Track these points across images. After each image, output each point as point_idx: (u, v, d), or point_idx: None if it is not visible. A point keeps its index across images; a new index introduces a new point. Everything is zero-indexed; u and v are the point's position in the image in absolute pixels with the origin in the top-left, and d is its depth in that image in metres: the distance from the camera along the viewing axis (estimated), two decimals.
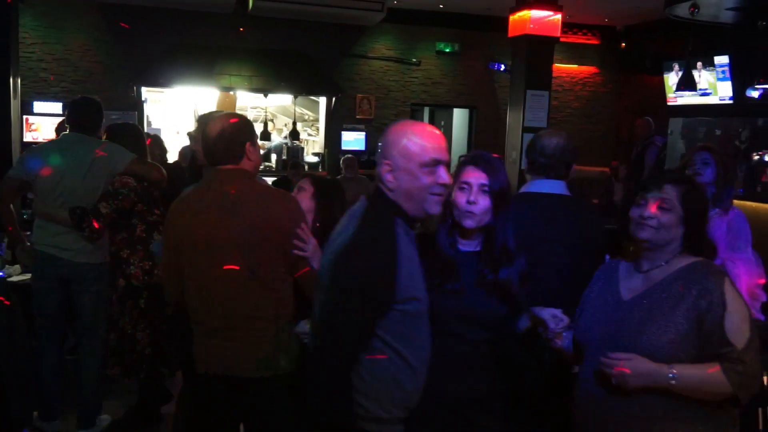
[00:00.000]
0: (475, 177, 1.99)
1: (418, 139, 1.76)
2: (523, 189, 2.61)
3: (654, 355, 1.80)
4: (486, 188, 1.99)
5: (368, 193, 1.89)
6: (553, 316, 2.03)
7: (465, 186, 2.00)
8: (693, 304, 1.81)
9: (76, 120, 3.64)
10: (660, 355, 1.80)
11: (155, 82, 8.74)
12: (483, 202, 1.98)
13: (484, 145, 10.07)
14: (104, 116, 3.70)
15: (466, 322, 1.99)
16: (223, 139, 2.29)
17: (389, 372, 1.73)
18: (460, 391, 1.98)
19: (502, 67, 9.86)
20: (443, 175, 1.79)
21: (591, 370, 1.91)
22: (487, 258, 2.02)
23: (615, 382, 1.81)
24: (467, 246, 2.05)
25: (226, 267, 2.19)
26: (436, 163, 1.77)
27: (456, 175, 2.03)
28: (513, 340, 2.14)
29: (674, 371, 1.77)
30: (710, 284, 1.81)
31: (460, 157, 2.16)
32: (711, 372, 1.78)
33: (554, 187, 2.52)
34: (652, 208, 1.87)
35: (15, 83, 5.20)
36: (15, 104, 5.20)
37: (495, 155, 2.13)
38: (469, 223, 1.99)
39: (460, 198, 2.00)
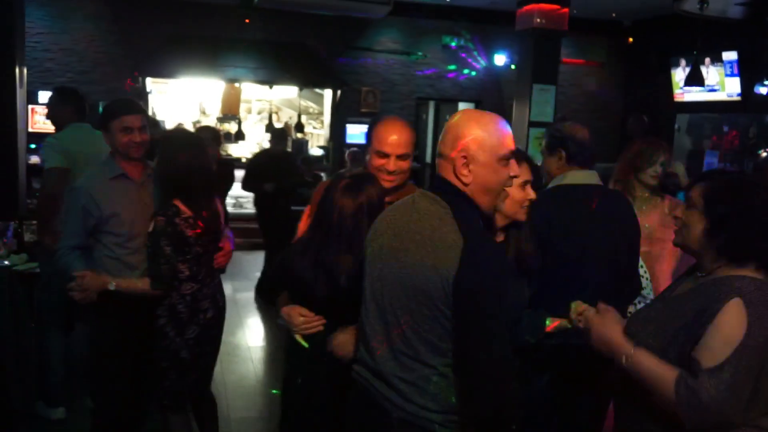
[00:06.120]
0: (526, 173, 2.03)
1: (495, 131, 1.70)
2: (561, 181, 2.60)
3: None
4: (530, 183, 2.05)
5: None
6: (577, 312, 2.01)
7: (526, 184, 2.03)
8: (689, 321, 1.66)
9: (79, 109, 3.64)
10: None
11: (160, 73, 8.73)
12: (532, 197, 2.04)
13: None
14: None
15: None
16: None
17: None
18: None
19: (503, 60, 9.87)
20: (515, 168, 1.76)
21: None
22: (521, 247, 2.07)
23: (582, 327, 1.82)
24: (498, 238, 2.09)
25: None
26: (512, 155, 1.73)
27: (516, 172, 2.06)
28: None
29: (632, 352, 1.68)
30: (712, 302, 1.63)
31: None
32: (666, 372, 1.62)
33: (593, 177, 2.60)
34: (679, 210, 1.81)
35: (21, 73, 5.18)
36: (21, 94, 5.18)
37: None
38: (524, 217, 2.05)
39: (523, 194, 2.02)
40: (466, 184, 1.67)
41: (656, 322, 1.75)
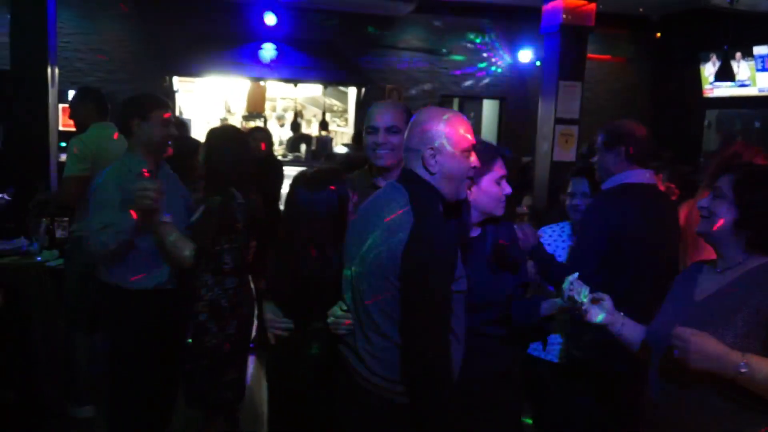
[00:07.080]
0: (501, 168, 2.12)
1: (458, 125, 1.88)
2: (624, 180, 2.56)
3: None
4: (505, 178, 2.14)
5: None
6: (570, 283, 1.95)
7: (501, 180, 2.10)
8: (755, 307, 1.65)
9: (100, 108, 3.73)
10: None
11: (187, 72, 8.81)
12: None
13: (514, 137, 9.99)
14: None
15: (474, 309, 2.01)
16: None
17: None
18: (481, 371, 2.03)
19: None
20: (475, 159, 1.91)
21: (655, 373, 1.79)
22: (497, 242, 2.12)
23: (676, 354, 1.63)
24: (474, 232, 2.13)
25: None
26: (473, 147, 1.90)
27: (490, 167, 2.09)
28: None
29: (746, 360, 1.58)
30: None
31: (488, 148, 2.18)
32: None
33: (651, 176, 2.63)
34: (705, 199, 1.81)
35: (53, 72, 5.28)
36: (53, 93, 5.28)
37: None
38: (501, 212, 2.10)
39: (498, 190, 2.09)
40: (432, 174, 1.86)
41: (715, 322, 1.69)
